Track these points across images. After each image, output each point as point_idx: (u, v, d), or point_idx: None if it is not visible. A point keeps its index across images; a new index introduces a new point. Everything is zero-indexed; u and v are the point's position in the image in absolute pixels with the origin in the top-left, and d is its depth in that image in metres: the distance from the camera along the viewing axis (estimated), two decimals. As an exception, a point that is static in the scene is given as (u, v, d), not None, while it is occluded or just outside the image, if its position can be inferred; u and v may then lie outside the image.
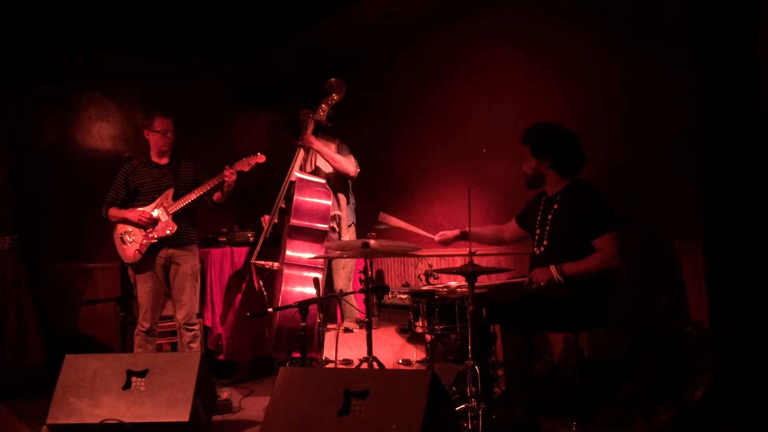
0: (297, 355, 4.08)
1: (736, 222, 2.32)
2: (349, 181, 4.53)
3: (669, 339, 3.21)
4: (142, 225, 4.09)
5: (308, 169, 4.50)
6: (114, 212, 4.16)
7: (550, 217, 3.34)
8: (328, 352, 3.54)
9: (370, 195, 5.13)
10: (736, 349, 2.32)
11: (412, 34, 5.19)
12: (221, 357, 4.70)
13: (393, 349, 3.53)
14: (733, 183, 2.32)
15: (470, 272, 3.00)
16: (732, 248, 2.32)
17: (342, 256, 3.98)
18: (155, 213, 4.12)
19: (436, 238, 3.79)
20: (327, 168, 4.48)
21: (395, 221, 3.89)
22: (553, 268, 3.16)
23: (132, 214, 4.11)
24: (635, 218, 3.65)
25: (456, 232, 3.76)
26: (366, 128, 5.51)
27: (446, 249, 4.04)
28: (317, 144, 4.39)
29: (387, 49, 5.46)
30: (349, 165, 4.41)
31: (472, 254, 3.07)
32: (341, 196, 4.49)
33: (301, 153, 4.50)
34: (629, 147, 3.75)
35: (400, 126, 5.40)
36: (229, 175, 4.14)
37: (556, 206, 3.34)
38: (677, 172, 3.43)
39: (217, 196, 4.24)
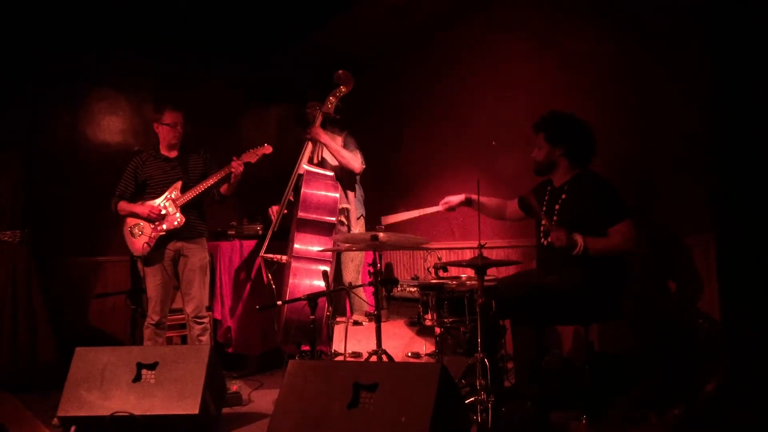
0: (306, 348, 4.08)
1: (749, 215, 2.30)
2: (357, 175, 4.52)
3: (680, 332, 3.18)
4: (151, 219, 4.11)
5: (315, 161, 4.50)
6: (123, 205, 4.18)
7: (557, 207, 3.31)
8: (338, 345, 3.54)
9: (380, 190, 5.13)
10: (749, 343, 2.30)
11: (423, 31, 5.18)
12: (231, 350, 4.71)
13: (402, 342, 3.53)
14: (747, 175, 2.30)
15: (479, 265, 2.99)
16: (745, 241, 2.30)
17: (351, 248, 3.97)
18: (163, 206, 4.13)
19: (441, 206, 3.76)
20: (333, 160, 4.46)
21: (398, 217, 3.87)
22: (580, 239, 3.06)
23: (141, 207, 4.13)
24: (645, 211, 3.62)
25: (461, 197, 3.72)
26: (377, 124, 5.50)
27: (455, 242, 4.02)
28: (324, 137, 4.39)
29: (398, 46, 5.44)
30: (355, 161, 4.40)
31: (481, 247, 3.05)
32: (349, 189, 4.47)
33: (309, 146, 4.48)
34: (640, 141, 3.71)
35: (410, 121, 5.38)
36: (236, 167, 4.14)
37: (564, 196, 3.30)
38: (688, 166, 3.40)
39: (224, 188, 4.24)
